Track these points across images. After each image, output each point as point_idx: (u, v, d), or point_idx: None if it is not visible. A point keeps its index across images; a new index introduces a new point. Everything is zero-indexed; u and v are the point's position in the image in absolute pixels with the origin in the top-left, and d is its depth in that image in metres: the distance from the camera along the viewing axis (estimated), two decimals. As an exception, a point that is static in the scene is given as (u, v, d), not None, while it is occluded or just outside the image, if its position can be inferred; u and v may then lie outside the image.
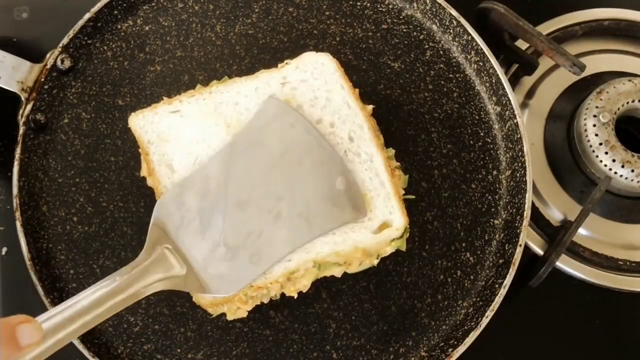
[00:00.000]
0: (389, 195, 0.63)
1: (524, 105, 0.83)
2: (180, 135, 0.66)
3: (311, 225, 0.60)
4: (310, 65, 0.67)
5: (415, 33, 0.77)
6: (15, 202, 0.68)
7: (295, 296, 0.64)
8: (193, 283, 0.58)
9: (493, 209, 0.72)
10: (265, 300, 0.64)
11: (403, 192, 0.66)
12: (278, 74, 0.67)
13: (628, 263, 0.76)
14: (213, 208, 0.60)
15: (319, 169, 0.62)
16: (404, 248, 0.65)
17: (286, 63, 0.68)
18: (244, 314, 0.63)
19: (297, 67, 0.67)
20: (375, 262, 0.65)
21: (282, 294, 0.64)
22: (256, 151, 0.62)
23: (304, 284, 0.63)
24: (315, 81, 0.67)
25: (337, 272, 0.64)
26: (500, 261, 0.69)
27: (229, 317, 0.63)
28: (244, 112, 0.66)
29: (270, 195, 0.61)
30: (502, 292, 0.65)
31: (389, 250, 0.64)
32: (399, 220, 0.63)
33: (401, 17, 0.78)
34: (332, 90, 0.66)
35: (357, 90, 0.69)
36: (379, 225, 0.63)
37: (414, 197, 0.70)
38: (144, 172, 0.68)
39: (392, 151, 0.68)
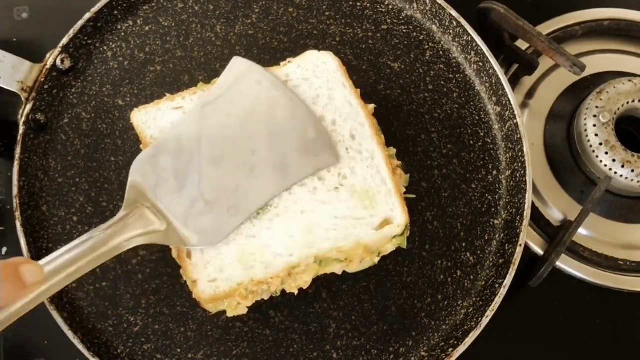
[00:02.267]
0: (390, 192, 0.63)
1: (524, 105, 0.83)
2: None
3: (286, 174, 0.62)
4: (312, 64, 0.67)
5: (415, 33, 0.77)
6: (15, 202, 0.68)
7: (296, 292, 0.64)
8: (174, 237, 0.61)
9: (493, 209, 0.72)
10: (266, 297, 0.64)
11: (404, 190, 0.66)
12: (280, 72, 0.67)
13: (628, 263, 0.76)
14: (188, 166, 0.62)
15: (290, 121, 0.64)
16: (404, 246, 0.65)
17: (288, 61, 0.68)
18: (244, 311, 0.63)
19: (299, 65, 0.67)
20: (376, 260, 0.65)
21: (283, 292, 0.64)
22: (226, 108, 0.64)
23: (305, 280, 0.63)
24: (317, 80, 0.67)
25: (338, 269, 0.64)
26: (501, 261, 0.69)
27: (229, 314, 0.63)
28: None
29: (243, 149, 0.63)
30: (502, 292, 0.65)
31: (390, 247, 0.64)
32: (400, 217, 0.63)
33: (401, 17, 0.78)
34: (334, 88, 0.66)
35: (358, 90, 0.69)
36: (380, 222, 0.63)
37: (414, 196, 0.70)
38: (144, 168, 0.68)
39: (393, 150, 0.68)
